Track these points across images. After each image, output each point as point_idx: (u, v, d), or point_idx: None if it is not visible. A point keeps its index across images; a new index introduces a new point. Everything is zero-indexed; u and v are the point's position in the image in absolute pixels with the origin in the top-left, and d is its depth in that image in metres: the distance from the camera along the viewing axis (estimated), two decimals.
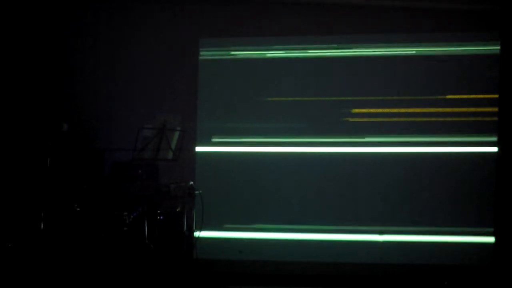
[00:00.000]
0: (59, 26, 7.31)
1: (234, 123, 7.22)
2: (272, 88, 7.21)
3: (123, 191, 6.30)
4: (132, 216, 6.11)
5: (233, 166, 7.17)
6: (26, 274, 6.02)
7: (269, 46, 7.22)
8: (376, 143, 7.01)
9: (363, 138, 7.04)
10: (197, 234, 6.61)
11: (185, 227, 6.43)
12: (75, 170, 6.57)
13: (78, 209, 6.18)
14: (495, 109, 6.86)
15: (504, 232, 6.74)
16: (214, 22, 7.27)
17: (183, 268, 6.35)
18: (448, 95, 6.94)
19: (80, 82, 7.31)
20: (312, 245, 7.04)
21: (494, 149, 6.85)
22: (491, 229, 6.82)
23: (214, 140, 7.25)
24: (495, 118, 6.86)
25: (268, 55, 7.22)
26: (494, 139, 6.85)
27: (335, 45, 7.16)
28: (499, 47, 6.88)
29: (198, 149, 7.24)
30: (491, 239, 6.82)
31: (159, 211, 6.30)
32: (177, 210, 6.43)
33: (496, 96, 6.87)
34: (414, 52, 7.02)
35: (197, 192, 6.50)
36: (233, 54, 7.28)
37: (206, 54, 7.30)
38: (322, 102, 7.12)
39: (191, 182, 6.53)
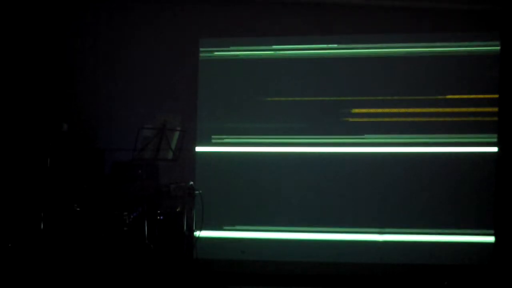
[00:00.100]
0: (59, 26, 7.31)
1: (234, 123, 7.22)
2: (272, 88, 7.21)
3: (123, 191, 6.30)
4: (132, 216, 6.11)
5: (233, 166, 7.17)
6: (26, 274, 6.02)
7: (269, 46, 7.22)
8: (376, 143, 7.01)
9: (363, 138, 7.04)
10: (197, 234, 6.61)
11: (185, 227, 6.43)
12: (75, 170, 6.56)
13: (78, 209, 6.17)
14: (495, 109, 6.86)
15: (504, 232, 6.74)
16: (214, 22, 7.27)
17: (183, 268, 6.35)
18: (448, 95, 6.95)
19: (80, 82, 7.31)
20: (312, 245, 7.04)
21: (494, 149, 6.85)
22: (491, 229, 6.82)
23: (214, 140, 7.25)
24: (495, 118, 6.86)
25: (268, 55, 7.22)
26: (494, 139, 6.85)
27: (335, 45, 7.16)
28: (499, 47, 6.88)
29: (198, 149, 7.24)
30: (491, 239, 6.82)
31: (159, 211, 6.30)
32: (177, 210, 6.43)
33: (496, 96, 6.87)
34: (414, 52, 7.02)
35: (197, 192, 6.50)
36: (233, 54, 7.28)
37: (206, 54, 7.30)
38: (322, 102, 7.13)
39: (191, 182, 6.53)
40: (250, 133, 7.19)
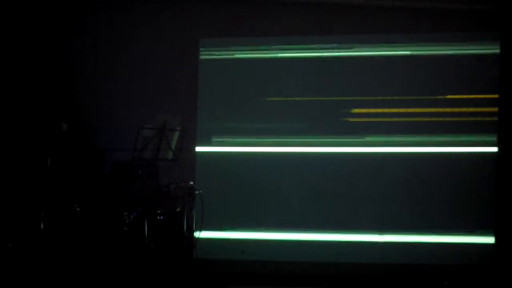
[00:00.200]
0: (59, 26, 7.31)
1: (234, 123, 7.22)
2: (272, 88, 7.21)
3: (123, 191, 6.30)
4: (132, 216, 6.11)
5: (233, 166, 7.17)
6: (26, 274, 6.02)
7: (269, 46, 7.22)
8: (376, 143, 7.01)
9: (363, 138, 7.04)
10: (197, 234, 6.61)
11: (185, 227, 6.43)
12: (75, 170, 6.56)
13: (78, 209, 6.17)
14: (495, 109, 6.86)
15: (504, 232, 6.74)
16: (214, 22, 7.27)
17: (183, 268, 6.35)
18: (448, 95, 6.95)
19: (80, 82, 7.31)
20: (312, 245, 7.04)
21: (494, 149, 6.85)
22: (491, 229, 6.82)
23: (214, 140, 7.25)
24: (495, 118, 6.86)
25: (268, 55, 7.22)
26: (494, 139, 6.85)
27: (335, 45, 7.16)
28: (499, 47, 6.88)
29: (198, 149, 7.24)
30: (491, 239, 6.82)
31: (159, 211, 6.30)
32: (177, 210, 6.43)
33: (496, 96, 6.87)
34: (414, 52, 7.01)
35: (197, 192, 6.50)
36: (233, 54, 7.28)
37: (206, 54, 7.30)
38: (322, 102, 7.12)
39: (191, 182, 6.53)
40: (250, 133, 7.19)
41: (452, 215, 6.86)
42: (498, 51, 6.87)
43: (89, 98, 7.26)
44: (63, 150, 6.62)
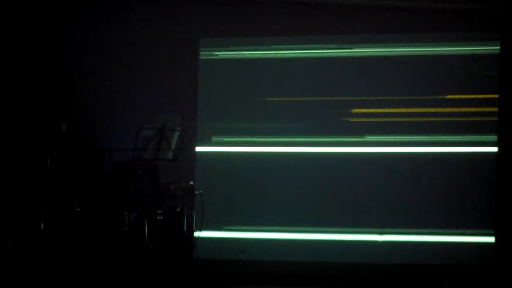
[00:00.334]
0: (59, 26, 7.31)
1: (234, 123, 7.22)
2: (272, 88, 7.21)
3: (123, 191, 6.29)
4: (132, 216, 6.11)
5: (233, 166, 7.17)
6: (26, 274, 6.01)
7: (269, 46, 7.22)
8: (376, 143, 7.01)
9: (363, 138, 7.03)
10: (197, 234, 6.61)
11: (185, 227, 6.42)
12: (75, 170, 6.56)
13: (78, 209, 6.17)
14: (495, 109, 6.86)
15: (504, 232, 6.74)
16: (214, 22, 7.27)
17: (183, 268, 6.34)
18: (448, 95, 6.94)
19: (80, 82, 7.30)
20: (312, 245, 7.04)
21: (494, 149, 6.85)
22: (491, 229, 6.82)
23: (214, 140, 7.25)
24: (495, 118, 6.85)
25: (268, 55, 7.22)
26: (494, 139, 6.85)
27: (335, 45, 7.16)
28: (499, 47, 6.88)
29: (198, 149, 7.24)
30: (491, 239, 6.82)
31: (159, 211, 6.30)
32: (177, 210, 6.43)
33: (496, 96, 6.87)
34: (414, 52, 7.01)
35: (197, 192, 6.49)
36: (233, 54, 7.28)
37: (206, 54, 7.30)
38: (322, 102, 7.12)
39: (191, 182, 6.52)
40: (250, 133, 7.19)
41: (452, 215, 6.86)
42: (498, 51, 6.87)
43: (89, 98, 7.26)
44: (63, 150, 6.62)
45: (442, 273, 6.78)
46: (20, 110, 6.93)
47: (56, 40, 7.29)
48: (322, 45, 7.16)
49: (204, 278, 6.59)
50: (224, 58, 7.29)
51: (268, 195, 7.12)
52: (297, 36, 7.21)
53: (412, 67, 7.00)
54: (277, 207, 7.10)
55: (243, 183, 7.14)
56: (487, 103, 6.88)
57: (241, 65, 7.25)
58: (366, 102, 7.07)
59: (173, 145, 6.37)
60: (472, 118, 6.88)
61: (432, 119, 6.94)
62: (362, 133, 7.04)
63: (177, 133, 6.41)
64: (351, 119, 7.08)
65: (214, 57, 7.29)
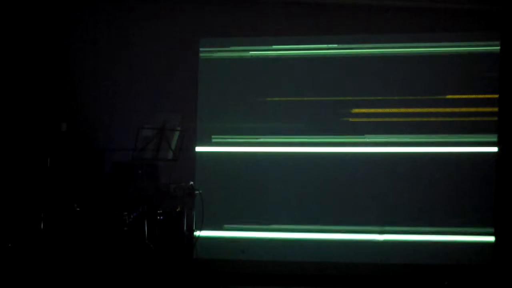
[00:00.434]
0: (59, 26, 7.31)
1: (234, 123, 7.22)
2: (272, 88, 7.21)
3: (123, 191, 6.30)
4: (132, 216, 6.11)
5: (233, 166, 7.17)
6: (26, 274, 6.01)
7: (269, 46, 7.22)
8: (376, 143, 7.01)
9: (363, 138, 7.04)
10: (197, 234, 6.61)
11: (185, 227, 6.43)
12: (75, 170, 6.56)
13: (78, 209, 6.17)
14: (495, 109, 6.86)
15: (504, 232, 6.74)
16: (214, 22, 7.27)
17: (183, 268, 6.35)
18: (448, 95, 6.95)
19: (80, 82, 7.30)
20: (312, 245, 7.04)
21: (494, 149, 6.85)
22: (491, 229, 6.82)
23: (214, 140, 7.25)
24: (495, 118, 6.85)
25: (268, 55, 7.22)
26: (494, 139, 6.85)
27: (335, 45, 7.16)
28: (499, 47, 6.88)
29: (198, 149, 7.24)
30: (491, 239, 6.82)
31: (159, 211, 6.30)
32: (177, 210, 6.43)
33: (496, 96, 6.87)
34: (414, 52, 7.01)
35: (197, 192, 6.50)
36: (233, 54, 7.28)
37: (206, 54, 7.30)
38: (322, 102, 7.12)
39: (191, 182, 6.53)
40: (250, 133, 7.19)
41: (452, 215, 6.86)
42: (498, 51, 6.87)
43: (89, 98, 7.26)
44: (63, 150, 6.62)
45: (442, 273, 6.78)
46: (20, 110, 6.93)
47: (56, 40, 7.29)
48: (322, 45, 7.16)
49: (204, 278, 6.59)
50: (224, 58, 7.29)
51: (268, 195, 7.12)
52: (297, 36, 7.22)
53: (412, 67, 7.00)
54: (277, 207, 7.10)
55: (243, 183, 7.15)
56: (487, 103, 6.88)
57: (241, 65, 7.25)
58: (366, 102, 7.07)
59: (173, 145, 6.37)
60: (472, 118, 6.88)
61: (432, 119, 6.94)
62: (362, 133, 7.04)
63: (177, 133, 6.42)
64: (351, 119, 7.08)
65: (214, 57, 7.29)
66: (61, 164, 6.51)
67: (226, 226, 7.15)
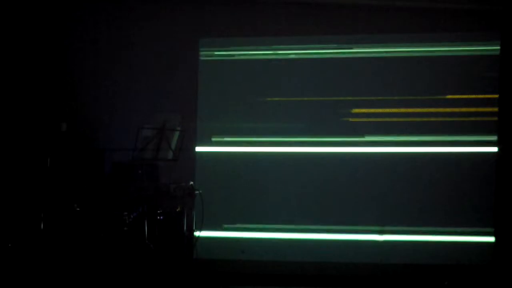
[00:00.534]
0: (59, 26, 7.31)
1: (234, 123, 7.22)
2: (272, 88, 7.21)
3: (123, 191, 6.30)
4: (132, 216, 6.11)
5: (233, 166, 7.17)
6: (26, 274, 6.02)
7: (269, 46, 7.22)
8: (376, 143, 7.01)
9: (363, 138, 7.04)
10: (197, 234, 6.61)
11: (185, 227, 6.43)
12: (75, 170, 6.56)
13: (78, 209, 6.17)
14: (495, 109, 6.86)
15: (504, 232, 6.74)
16: (214, 22, 7.27)
17: (183, 268, 6.35)
18: (448, 95, 6.95)
19: (80, 82, 7.30)
20: (312, 245, 7.04)
21: (494, 149, 6.85)
22: (491, 229, 6.82)
23: (214, 140, 7.25)
24: (495, 118, 6.86)
25: (268, 55, 7.22)
26: (494, 139, 6.85)
27: (335, 45, 7.16)
28: (499, 47, 6.88)
29: (198, 149, 7.24)
30: (491, 239, 6.82)
31: (159, 211, 6.30)
32: (177, 210, 6.43)
33: (496, 96, 6.87)
34: (414, 52, 7.01)
35: (197, 192, 6.50)
36: (233, 54, 7.28)
37: (206, 54, 7.30)
38: (322, 102, 7.12)
39: (191, 182, 6.53)
40: (250, 133, 7.19)
41: (452, 215, 6.86)
42: (498, 51, 6.87)
43: (89, 98, 7.26)
44: (63, 150, 6.62)
45: (442, 273, 6.78)
46: (20, 110, 6.93)
47: (56, 40, 7.29)
48: (322, 45, 7.16)
49: (204, 278, 6.59)
50: (224, 58, 7.29)
51: (268, 195, 7.12)
52: (297, 36, 7.22)
53: (412, 67, 7.00)
54: (277, 207, 7.10)
55: (243, 183, 7.15)
56: (487, 103, 6.88)
57: (241, 65, 7.26)
58: (366, 102, 7.07)
59: (173, 145, 6.37)
60: (472, 118, 6.88)
61: (432, 119, 6.94)
62: (362, 133, 7.04)
63: (177, 133, 6.42)
64: (351, 119, 7.08)
65: (214, 57, 7.29)
66: (61, 164, 6.51)
67: (226, 226, 7.15)
